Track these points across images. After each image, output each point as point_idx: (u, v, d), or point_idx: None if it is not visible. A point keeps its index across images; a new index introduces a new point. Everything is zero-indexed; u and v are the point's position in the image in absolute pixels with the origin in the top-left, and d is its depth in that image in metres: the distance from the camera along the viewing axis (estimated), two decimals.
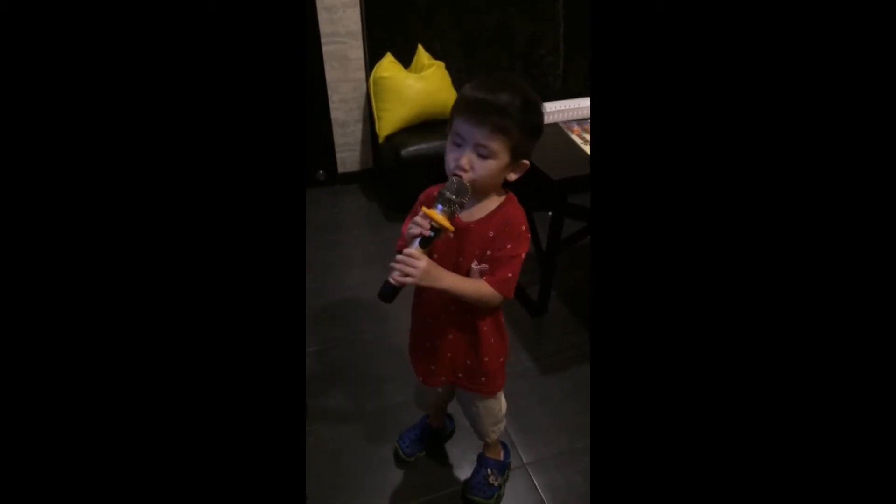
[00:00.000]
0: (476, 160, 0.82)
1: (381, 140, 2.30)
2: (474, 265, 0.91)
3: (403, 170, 2.20)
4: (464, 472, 1.32)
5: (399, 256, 0.82)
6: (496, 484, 1.25)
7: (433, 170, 2.32)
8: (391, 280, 0.82)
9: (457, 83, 2.37)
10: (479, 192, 0.88)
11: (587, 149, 1.59)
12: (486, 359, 1.03)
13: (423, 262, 0.82)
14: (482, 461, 1.28)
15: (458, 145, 0.83)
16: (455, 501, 1.26)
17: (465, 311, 0.97)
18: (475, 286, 0.90)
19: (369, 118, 2.46)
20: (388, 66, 2.27)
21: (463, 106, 0.83)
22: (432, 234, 0.81)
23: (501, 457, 1.29)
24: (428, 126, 2.29)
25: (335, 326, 1.76)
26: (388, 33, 2.33)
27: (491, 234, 0.90)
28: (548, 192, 1.48)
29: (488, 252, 0.91)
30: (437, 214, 0.81)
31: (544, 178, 1.45)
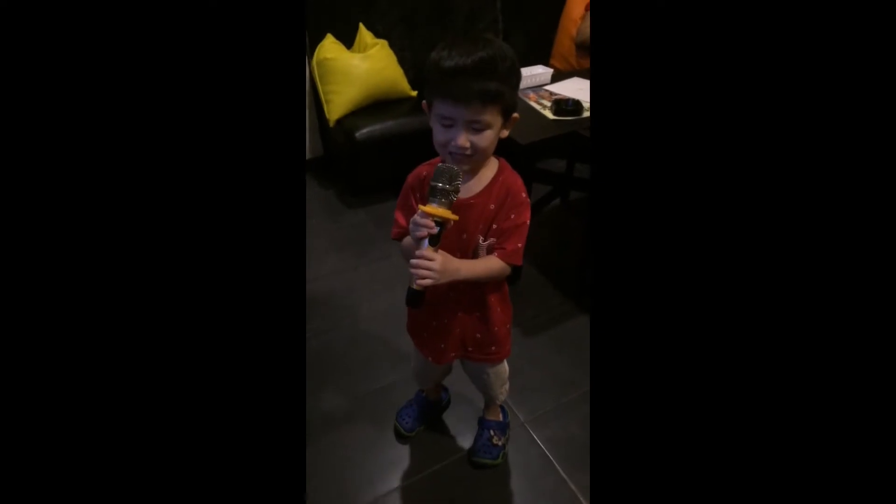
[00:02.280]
0: (472, 136, 0.79)
1: (331, 124, 2.24)
2: (481, 241, 0.90)
3: (358, 153, 2.15)
4: (466, 438, 1.33)
5: (414, 261, 0.80)
6: (500, 444, 1.28)
7: (389, 150, 2.31)
8: (413, 286, 0.80)
9: (402, 61, 2.34)
10: (475, 167, 0.86)
11: (547, 114, 1.63)
12: (496, 328, 1.04)
13: (438, 261, 0.80)
14: (483, 424, 1.30)
15: (448, 126, 0.79)
16: (462, 467, 1.27)
17: (472, 287, 0.96)
18: (487, 265, 0.89)
19: (315, 104, 2.38)
20: (331, 46, 2.20)
21: (442, 82, 0.76)
22: (438, 228, 0.79)
23: (501, 417, 1.32)
24: (379, 106, 2.25)
25: (311, 317, 1.71)
26: (326, 14, 2.26)
27: (492, 206, 0.89)
28: (514, 158, 1.51)
29: (494, 225, 0.90)
30: (438, 209, 0.78)
31: (511, 144, 1.48)
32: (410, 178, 0.95)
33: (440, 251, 0.81)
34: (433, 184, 0.79)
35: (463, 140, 0.79)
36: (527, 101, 1.72)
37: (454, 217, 0.79)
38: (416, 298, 0.82)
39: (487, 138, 0.80)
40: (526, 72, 1.81)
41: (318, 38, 2.22)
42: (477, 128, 0.79)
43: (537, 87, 1.81)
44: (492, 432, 1.28)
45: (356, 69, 2.17)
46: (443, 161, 0.82)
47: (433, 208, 0.78)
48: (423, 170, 0.94)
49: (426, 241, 0.80)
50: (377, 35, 2.31)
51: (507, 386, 1.23)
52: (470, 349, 1.07)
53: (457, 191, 0.80)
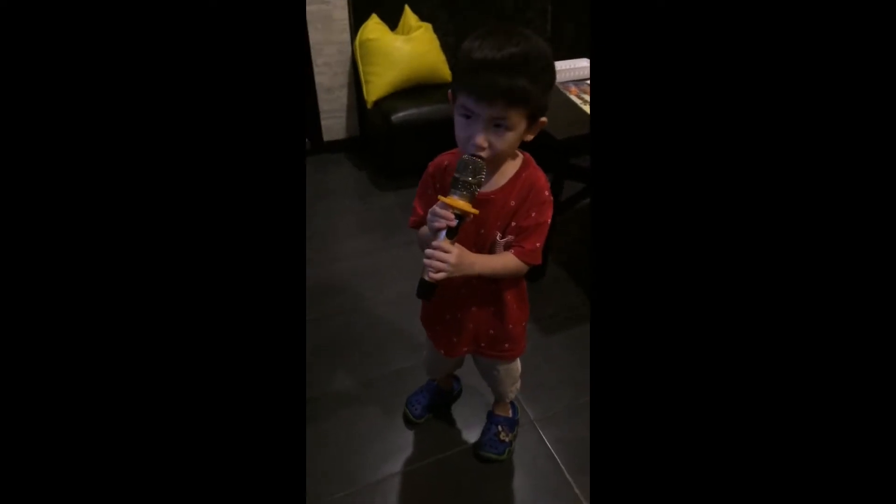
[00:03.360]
0: (492, 135, 0.75)
1: (369, 105, 2.24)
2: (498, 237, 0.88)
3: (393, 136, 2.15)
4: (473, 430, 1.34)
5: (429, 251, 0.78)
6: (507, 440, 1.27)
7: (424, 136, 2.31)
8: (426, 277, 0.79)
9: (444, 46, 2.32)
10: (496, 162, 0.83)
11: (587, 109, 1.59)
12: (511, 326, 1.02)
13: (454, 254, 0.78)
14: (492, 419, 1.30)
15: (468, 117, 0.75)
16: (467, 459, 1.28)
17: (488, 282, 0.95)
18: (503, 262, 0.88)
19: (355, 83, 2.38)
20: (375, 27, 2.19)
21: (468, 75, 0.73)
22: (457, 221, 0.77)
23: (510, 414, 1.31)
24: (418, 90, 2.23)
25: (331, 296, 1.74)
26: None
27: (513, 203, 0.86)
28: (549, 153, 1.48)
29: (512, 223, 0.87)
30: (458, 201, 0.76)
31: (547, 138, 1.44)
32: (431, 167, 0.93)
33: (456, 244, 0.80)
34: (456, 175, 0.77)
35: (482, 139, 0.75)
36: (567, 94, 1.67)
37: (474, 211, 0.78)
38: (428, 290, 0.81)
39: (507, 140, 0.76)
40: (569, 64, 1.76)
41: (364, 18, 2.22)
42: (499, 125, 0.75)
43: (580, 81, 1.76)
44: (500, 427, 1.28)
45: (398, 51, 2.16)
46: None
47: (454, 200, 0.76)
48: (444, 159, 0.92)
49: (443, 233, 0.78)
50: (422, 18, 2.29)
51: (517, 384, 1.22)
52: (483, 345, 1.06)
53: (480, 184, 0.77)
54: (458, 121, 0.78)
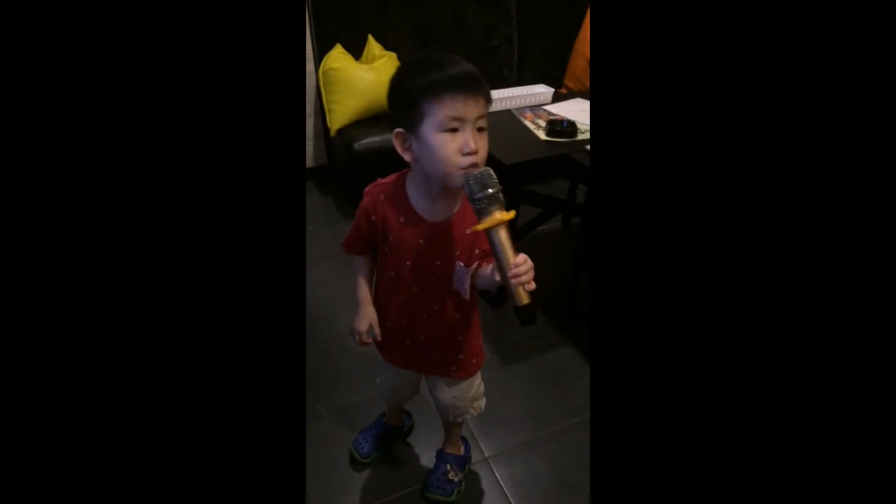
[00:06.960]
0: (478, 139, 0.75)
1: (332, 134, 2.23)
2: (462, 266, 0.87)
3: (357, 163, 2.13)
4: (423, 469, 1.26)
5: (517, 269, 0.72)
6: (456, 480, 1.20)
7: (387, 163, 2.28)
8: (521, 301, 0.73)
9: None
10: (453, 188, 0.81)
11: (540, 134, 1.57)
12: (461, 338, 1.00)
13: (529, 260, 0.74)
14: (441, 457, 1.23)
15: (455, 130, 0.74)
16: (415, 500, 1.20)
17: (444, 307, 0.93)
18: None
19: (321, 112, 2.38)
20: (338, 57, 2.20)
21: (450, 84, 0.73)
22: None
23: (462, 451, 1.25)
24: (381, 118, 2.22)
25: None
26: (337, 24, 2.26)
27: (468, 231, 0.84)
28: (501, 178, 1.45)
29: (476, 250, 0.86)
30: (506, 214, 0.72)
31: (497, 163, 1.42)
32: (367, 200, 0.90)
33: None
34: (480, 194, 0.72)
35: (473, 143, 0.74)
36: (522, 119, 1.66)
37: (512, 214, 0.74)
38: (533, 312, 0.74)
39: (486, 140, 0.77)
40: (525, 90, 1.76)
41: (328, 48, 2.23)
42: (481, 126, 0.76)
43: (536, 107, 1.75)
44: (449, 466, 1.21)
45: (361, 81, 2.16)
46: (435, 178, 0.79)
47: (503, 214, 0.72)
48: (380, 191, 0.90)
49: (506, 248, 0.72)
50: (387, 47, 2.30)
51: (481, 401, 1.13)
52: (443, 363, 1.03)
53: (500, 192, 0.74)
54: (441, 139, 0.74)
